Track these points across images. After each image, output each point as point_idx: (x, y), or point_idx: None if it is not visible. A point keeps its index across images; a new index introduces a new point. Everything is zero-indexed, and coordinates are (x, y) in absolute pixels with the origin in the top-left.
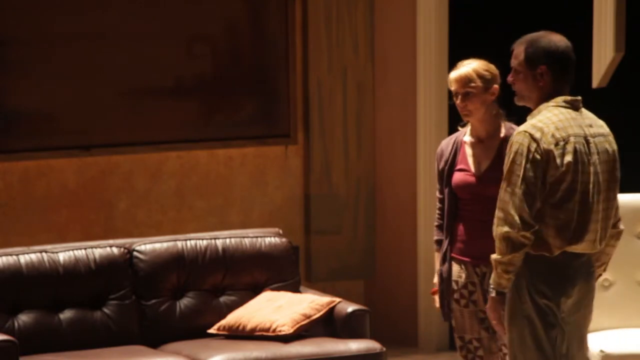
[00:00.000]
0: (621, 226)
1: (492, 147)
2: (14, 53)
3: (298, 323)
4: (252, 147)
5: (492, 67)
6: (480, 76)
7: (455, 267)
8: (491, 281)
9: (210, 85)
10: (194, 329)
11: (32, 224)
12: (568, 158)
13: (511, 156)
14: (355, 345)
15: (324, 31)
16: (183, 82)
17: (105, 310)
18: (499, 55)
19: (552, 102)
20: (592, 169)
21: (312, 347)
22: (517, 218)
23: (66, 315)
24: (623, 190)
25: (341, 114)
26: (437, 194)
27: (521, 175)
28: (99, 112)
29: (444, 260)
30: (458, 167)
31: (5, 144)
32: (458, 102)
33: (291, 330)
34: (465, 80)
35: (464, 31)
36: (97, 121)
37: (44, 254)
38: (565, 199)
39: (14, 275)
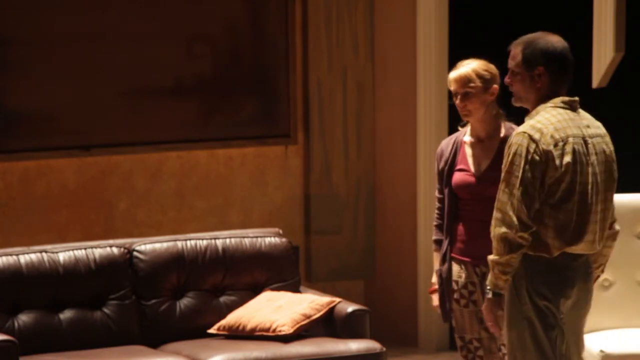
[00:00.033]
0: (617, 227)
1: (492, 147)
2: (14, 53)
3: (298, 323)
4: (252, 147)
5: (492, 67)
6: (479, 76)
7: (455, 267)
8: (488, 282)
9: (210, 85)
10: (194, 329)
11: (32, 224)
12: (567, 159)
13: (510, 157)
14: (355, 345)
15: (324, 31)
16: (183, 82)
17: (105, 310)
18: (499, 55)
19: (550, 103)
20: (590, 169)
21: (312, 347)
22: (515, 219)
23: (66, 315)
24: (623, 190)
25: (341, 114)
26: (437, 194)
27: (520, 176)
28: (99, 112)
29: (444, 260)
30: (458, 167)
31: (5, 144)
32: (457, 102)
33: (291, 330)
34: (464, 81)
35: (464, 31)
36: (97, 121)
37: (44, 254)
38: (564, 200)
39: (14, 275)
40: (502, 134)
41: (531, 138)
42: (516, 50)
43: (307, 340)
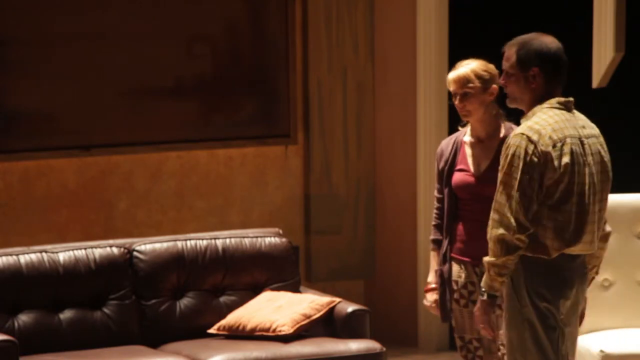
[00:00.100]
0: (608, 228)
1: (491, 147)
2: (14, 53)
3: (298, 323)
4: (252, 147)
5: (491, 67)
6: (478, 76)
7: (455, 267)
8: (482, 284)
9: (210, 85)
10: (194, 329)
11: (32, 224)
12: (565, 160)
13: (508, 158)
14: (355, 345)
15: (324, 31)
16: (183, 82)
17: (105, 310)
18: (498, 56)
19: (546, 104)
20: (587, 170)
21: (312, 347)
22: (512, 221)
23: (66, 315)
24: (622, 190)
25: (341, 114)
26: (436, 194)
27: (518, 178)
28: (99, 112)
29: (444, 260)
30: (458, 167)
31: (5, 144)
32: (457, 102)
33: (291, 330)
34: (463, 81)
35: (464, 31)
36: (97, 121)
37: (44, 254)
38: (562, 201)
39: (14, 275)
40: (502, 134)
41: (529, 139)
42: (510, 52)
43: (307, 340)
